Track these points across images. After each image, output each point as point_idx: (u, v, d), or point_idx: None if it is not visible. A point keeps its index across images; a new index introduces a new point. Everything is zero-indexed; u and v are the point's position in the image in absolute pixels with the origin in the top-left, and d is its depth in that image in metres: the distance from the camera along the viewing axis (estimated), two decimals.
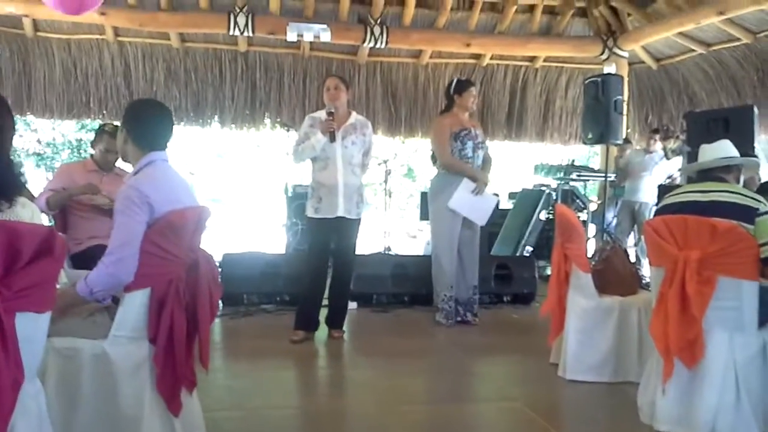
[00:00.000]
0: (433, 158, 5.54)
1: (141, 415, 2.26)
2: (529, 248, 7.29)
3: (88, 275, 2.33)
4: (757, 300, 2.71)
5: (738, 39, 7.18)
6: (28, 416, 1.70)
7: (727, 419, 2.66)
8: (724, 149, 2.99)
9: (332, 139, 4.28)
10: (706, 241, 2.68)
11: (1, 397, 1.52)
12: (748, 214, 2.71)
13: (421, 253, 7.50)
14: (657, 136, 7.25)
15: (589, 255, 4.25)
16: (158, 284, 2.30)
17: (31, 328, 1.70)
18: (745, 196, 2.77)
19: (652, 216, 6.94)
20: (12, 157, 1.66)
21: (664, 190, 5.98)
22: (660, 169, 7.25)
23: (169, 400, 2.33)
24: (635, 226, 7.29)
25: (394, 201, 12.52)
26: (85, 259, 3.42)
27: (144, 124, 2.51)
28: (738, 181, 3.02)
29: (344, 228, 4.40)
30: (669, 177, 7.12)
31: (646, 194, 7.17)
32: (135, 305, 2.28)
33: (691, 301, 2.70)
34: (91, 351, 2.24)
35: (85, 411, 2.23)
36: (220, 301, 4.96)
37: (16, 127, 1.74)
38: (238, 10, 7.35)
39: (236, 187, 17.61)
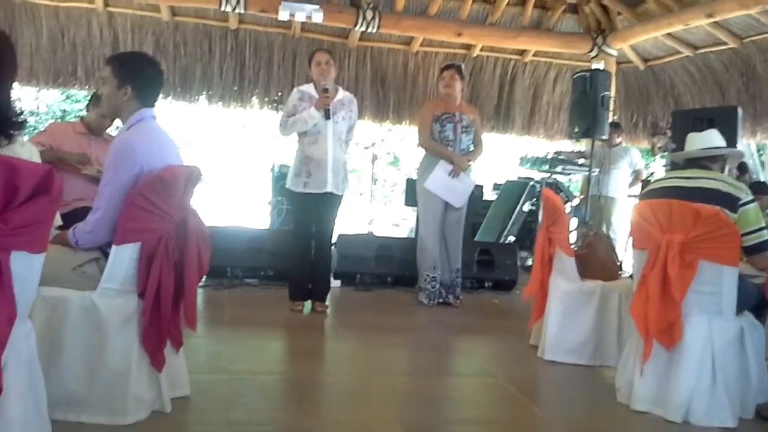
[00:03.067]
0: None
1: (128, 370, 2.27)
2: (512, 238, 7.34)
3: (76, 227, 2.37)
4: (736, 286, 2.77)
5: (725, 43, 7.22)
6: (18, 355, 1.70)
7: (702, 402, 2.72)
8: (711, 139, 3.05)
9: (327, 116, 4.27)
10: (689, 225, 2.73)
11: None
12: (730, 201, 2.76)
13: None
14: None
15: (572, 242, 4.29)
16: (148, 239, 2.31)
17: (25, 269, 1.70)
18: (729, 183, 2.83)
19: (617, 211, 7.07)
20: (12, 96, 1.65)
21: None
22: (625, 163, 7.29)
23: (153, 354, 2.35)
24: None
25: (378, 188, 12.52)
26: (71, 220, 3.39)
27: (148, 80, 2.50)
28: (723, 171, 3.07)
29: (329, 204, 4.41)
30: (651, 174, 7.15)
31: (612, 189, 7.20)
32: (125, 259, 2.29)
33: (672, 283, 2.75)
34: (80, 302, 2.24)
35: (69, 362, 2.23)
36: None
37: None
38: None
39: (221, 165, 17.52)
